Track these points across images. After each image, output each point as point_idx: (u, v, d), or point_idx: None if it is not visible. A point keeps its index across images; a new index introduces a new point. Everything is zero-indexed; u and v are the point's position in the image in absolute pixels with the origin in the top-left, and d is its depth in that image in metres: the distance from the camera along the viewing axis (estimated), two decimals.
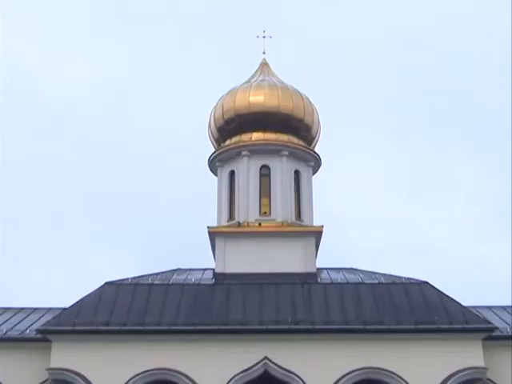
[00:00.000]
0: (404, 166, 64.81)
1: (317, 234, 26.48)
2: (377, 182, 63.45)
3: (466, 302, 23.86)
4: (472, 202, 61.52)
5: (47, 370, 22.02)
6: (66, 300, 24.28)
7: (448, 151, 64.37)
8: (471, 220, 61.31)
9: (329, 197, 47.95)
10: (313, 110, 29.52)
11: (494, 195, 58.70)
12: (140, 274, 25.45)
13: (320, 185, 32.29)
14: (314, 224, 27.82)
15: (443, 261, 57.41)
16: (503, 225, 59.72)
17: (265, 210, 27.57)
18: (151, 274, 25.49)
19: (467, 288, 41.54)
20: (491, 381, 22.34)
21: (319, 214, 30.53)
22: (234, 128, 28.80)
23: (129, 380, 21.66)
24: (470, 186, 62.28)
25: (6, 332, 23.68)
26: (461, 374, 21.67)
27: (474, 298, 27.95)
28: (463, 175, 62.58)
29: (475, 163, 63.19)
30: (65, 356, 22.01)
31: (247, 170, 27.95)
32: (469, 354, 21.90)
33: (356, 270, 26.50)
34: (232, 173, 28.80)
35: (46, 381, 22.43)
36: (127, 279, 24.89)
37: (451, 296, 23.63)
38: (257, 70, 31.24)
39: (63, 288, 52.36)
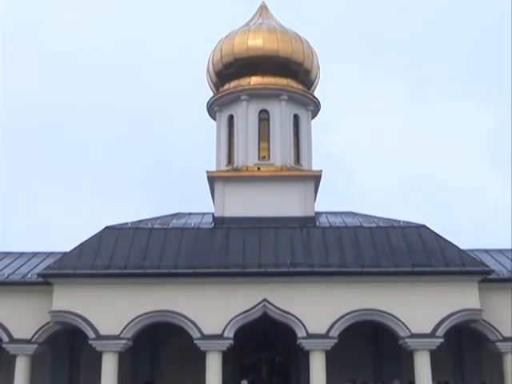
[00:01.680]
0: (404, 106, 64.69)
1: (316, 178, 26.48)
2: (378, 125, 63.43)
3: (463, 245, 24.08)
4: (473, 140, 61.59)
5: (49, 312, 22.34)
6: (67, 245, 24.50)
7: (449, 88, 64.10)
8: (472, 160, 61.47)
9: (330, 141, 47.98)
10: (312, 54, 29.19)
11: (495, 134, 58.79)
12: (140, 219, 25.58)
13: (321, 129, 32.31)
14: (313, 168, 27.79)
15: (443, 203, 57.80)
16: (504, 165, 59.92)
17: (264, 155, 27.53)
18: (151, 219, 25.62)
19: (465, 231, 41.93)
20: (487, 322, 22.69)
21: (322, 158, 30.61)
22: (232, 72, 28.53)
23: (130, 322, 21.99)
24: (472, 124, 62.28)
25: (7, 276, 23.95)
26: (457, 315, 21.97)
27: (472, 241, 28.24)
28: (465, 113, 62.45)
29: (478, 100, 62.97)
30: (66, 299, 22.30)
31: (246, 115, 27.80)
32: (465, 296, 22.17)
33: (354, 213, 26.63)
34: (231, 117, 28.66)
35: (48, 323, 22.78)
36: (127, 223, 25.02)
37: (449, 239, 23.78)
38: (256, 14, 30.79)
39: (64, 233, 52.84)
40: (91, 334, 22.06)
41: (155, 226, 24.74)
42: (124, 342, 22.00)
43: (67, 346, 25.80)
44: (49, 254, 26.45)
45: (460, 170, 61.75)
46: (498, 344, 22.69)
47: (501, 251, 26.65)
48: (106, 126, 65.76)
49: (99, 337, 21.97)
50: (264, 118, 28.03)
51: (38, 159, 62.16)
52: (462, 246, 23.74)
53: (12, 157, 60.12)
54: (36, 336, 22.84)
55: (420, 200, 59.33)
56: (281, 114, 27.76)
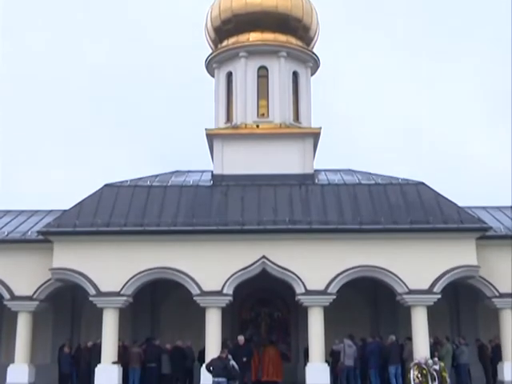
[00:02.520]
0: (405, 62, 64.19)
1: (314, 135, 26.40)
2: (380, 82, 63.00)
3: (461, 202, 24.14)
4: (473, 96, 61.27)
5: (50, 270, 22.48)
6: (67, 202, 24.56)
7: (450, 43, 63.55)
8: (472, 116, 61.25)
9: (329, 98, 47.73)
10: (311, 10, 28.84)
11: (496, 89, 58.49)
12: (139, 177, 25.57)
13: (320, 86, 32.11)
14: (313, 125, 27.68)
15: (442, 160, 57.76)
16: (505, 123, 59.74)
17: (262, 112, 27.38)
18: (150, 176, 25.61)
19: (464, 189, 42.01)
20: (483, 278, 22.86)
21: (321, 115, 30.47)
22: (231, 28, 28.22)
23: (130, 279, 22.16)
24: (473, 80, 61.92)
25: (7, 234, 24.03)
26: (454, 271, 22.14)
27: (471, 199, 28.28)
28: (466, 68, 62.04)
29: (479, 55, 62.50)
30: (66, 256, 22.42)
31: (245, 72, 27.58)
32: (462, 253, 22.30)
33: (353, 171, 26.61)
34: (229, 74, 28.44)
35: (48, 280, 22.95)
36: (126, 181, 25.03)
37: (447, 197, 23.83)
38: None
39: (63, 191, 52.91)
40: (92, 291, 22.25)
41: (154, 184, 24.75)
42: (124, 298, 22.19)
43: (68, 303, 26.06)
44: (48, 212, 26.55)
45: (461, 127, 61.62)
46: (494, 300, 22.91)
47: (499, 208, 26.72)
48: (106, 84, 65.36)
49: (100, 293, 22.16)
50: (263, 74, 27.82)
51: (38, 117, 61.94)
52: (461, 204, 23.80)
53: (11, 114, 59.96)
54: (37, 293, 23.01)
55: (419, 157, 59.34)
56: (280, 71, 27.54)
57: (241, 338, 22.54)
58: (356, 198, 23.69)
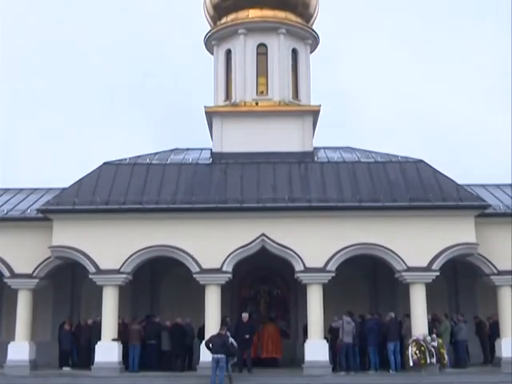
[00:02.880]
0: (406, 42, 63.90)
1: (314, 113, 26.29)
2: (379, 60, 62.72)
3: (461, 180, 24.12)
4: (475, 74, 61.07)
5: (49, 247, 22.52)
6: (66, 181, 24.53)
7: (451, 24, 63.21)
8: (472, 94, 61.09)
9: (328, 76, 47.51)
10: None
11: (497, 67, 58.26)
12: (138, 154, 25.53)
13: (319, 64, 31.95)
14: (312, 103, 27.57)
15: (442, 138, 57.70)
16: (505, 100, 59.61)
17: (262, 90, 27.25)
18: (149, 154, 25.57)
19: (464, 167, 41.99)
20: (482, 256, 22.90)
21: (321, 93, 30.32)
22: (229, 5, 28.01)
23: (129, 256, 22.22)
24: (474, 58, 61.65)
25: (6, 212, 24.01)
26: (453, 249, 22.19)
27: (470, 176, 28.30)
28: (467, 47, 61.77)
29: (479, 35, 62.21)
30: (66, 234, 22.45)
31: (244, 49, 27.40)
32: (461, 231, 22.32)
33: (353, 148, 26.56)
34: (228, 52, 28.27)
35: (48, 258, 22.99)
36: (125, 159, 24.98)
37: (446, 174, 23.81)
38: None
39: (62, 169, 52.86)
40: (91, 269, 22.31)
41: (153, 162, 24.71)
42: (124, 276, 22.27)
43: (68, 281, 26.13)
44: (47, 190, 26.49)
45: (461, 105, 61.42)
46: (492, 277, 22.98)
47: (498, 186, 26.71)
48: (104, 62, 65.03)
49: (99, 271, 22.23)
50: (262, 52, 27.65)
51: (37, 94, 61.72)
52: (460, 182, 23.79)
53: (9, 91, 59.71)
54: (37, 271, 23.05)
55: (419, 135, 59.21)
56: (279, 48, 27.37)
57: (245, 315, 22.70)
58: (355, 175, 23.67)
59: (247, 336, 22.05)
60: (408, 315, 22.48)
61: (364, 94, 64.73)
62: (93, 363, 21.76)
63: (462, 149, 56.44)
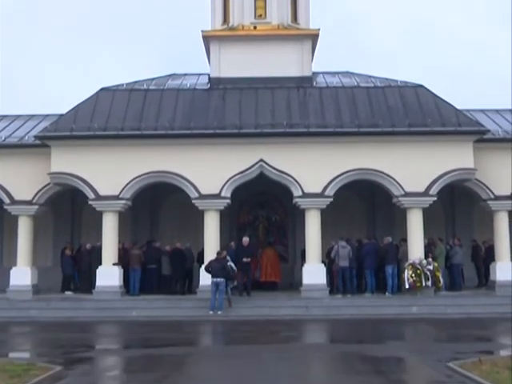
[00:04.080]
0: None
1: (313, 37, 25.82)
2: None
3: (460, 105, 23.97)
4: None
5: (48, 174, 22.57)
6: (63, 107, 24.38)
7: None
8: (472, 17, 60.06)
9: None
10: None
11: None
12: (135, 80, 25.25)
13: None
14: (311, 27, 27.06)
15: (442, 63, 57.02)
16: (505, 24, 58.65)
17: (260, 13, 26.64)
18: (146, 80, 25.27)
19: (463, 92, 41.67)
20: (480, 181, 22.99)
21: (321, 16, 29.72)
22: None
23: (128, 182, 22.30)
24: None
25: (4, 139, 23.90)
26: (450, 174, 22.26)
27: (469, 101, 28.11)
28: None
29: None
30: (64, 161, 22.46)
31: None
32: (459, 156, 22.35)
33: (352, 73, 26.22)
34: None
35: (47, 185, 23.06)
36: (122, 85, 24.71)
37: (446, 99, 23.64)
38: None
39: (59, 95, 52.44)
40: (90, 195, 22.42)
41: (151, 87, 24.46)
42: (123, 202, 22.39)
43: (68, 207, 26.31)
44: (45, 117, 26.30)
45: (461, 28, 60.44)
46: (489, 202, 23.11)
47: (498, 111, 26.49)
48: None
49: (98, 197, 22.35)
50: None
51: (34, 19, 60.61)
52: (460, 107, 23.64)
53: (7, 18, 58.64)
54: (36, 197, 23.13)
55: (419, 60, 58.54)
56: None
57: (245, 239, 22.97)
58: (354, 100, 23.48)
59: (248, 259, 22.35)
60: (404, 239, 22.75)
61: (364, 17, 63.62)
62: (94, 287, 22.13)
63: (462, 73, 55.90)
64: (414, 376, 11.87)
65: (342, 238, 22.79)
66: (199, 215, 22.55)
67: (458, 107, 23.47)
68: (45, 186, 23.10)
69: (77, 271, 24.27)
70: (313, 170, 22.10)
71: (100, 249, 22.55)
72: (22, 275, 22.70)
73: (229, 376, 11.48)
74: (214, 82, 24.98)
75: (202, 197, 22.23)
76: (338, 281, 22.49)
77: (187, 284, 23.69)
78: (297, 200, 22.38)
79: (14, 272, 22.90)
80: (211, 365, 12.91)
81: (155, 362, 12.90)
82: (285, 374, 11.44)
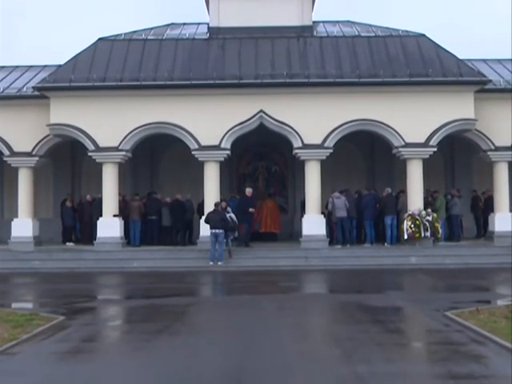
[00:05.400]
0: None
1: None
2: None
3: (462, 55, 23.74)
4: None
5: (47, 125, 22.47)
6: (61, 57, 24.11)
7: None
8: None
9: None
10: None
11: None
12: (133, 30, 24.95)
13: None
14: None
15: (444, 13, 56.23)
16: None
17: None
18: (144, 30, 24.95)
19: (465, 42, 41.18)
20: (480, 132, 22.89)
21: None
22: None
23: (128, 134, 22.23)
24: None
25: (2, 90, 23.74)
26: (451, 125, 22.16)
27: (471, 51, 27.78)
28: None
29: None
30: (63, 112, 22.33)
31: None
32: (460, 106, 22.20)
33: (353, 22, 25.86)
34: None
35: (47, 136, 22.99)
36: (120, 35, 24.43)
37: (448, 49, 23.39)
38: None
39: (56, 45, 51.85)
40: (90, 146, 22.37)
41: (149, 38, 24.17)
42: (123, 153, 22.36)
43: (68, 158, 26.30)
44: (43, 68, 26.06)
45: None
46: (489, 153, 23.06)
47: (499, 61, 26.19)
48: None
49: (98, 149, 22.30)
50: None
51: None
52: (461, 56, 23.41)
53: None
54: (36, 149, 23.07)
55: (421, 9, 57.69)
56: None
57: (249, 190, 23.00)
58: (355, 50, 23.22)
59: (253, 210, 22.44)
60: (403, 191, 22.80)
61: None
62: (95, 238, 22.28)
63: (464, 22, 55.16)
64: (411, 325, 12.03)
65: (335, 190, 22.63)
66: (199, 167, 22.55)
67: (460, 57, 23.23)
68: (44, 138, 23.02)
69: (78, 222, 24.39)
70: (313, 120, 22.00)
71: (100, 200, 22.61)
72: (23, 227, 22.80)
73: (229, 325, 11.63)
74: (213, 31, 24.66)
75: (201, 148, 22.18)
76: (338, 232, 22.58)
77: (188, 235, 23.83)
78: (297, 151, 22.34)
79: (15, 224, 23.00)
80: (212, 314, 13.07)
81: (157, 311, 13.07)
82: (285, 324, 11.58)
